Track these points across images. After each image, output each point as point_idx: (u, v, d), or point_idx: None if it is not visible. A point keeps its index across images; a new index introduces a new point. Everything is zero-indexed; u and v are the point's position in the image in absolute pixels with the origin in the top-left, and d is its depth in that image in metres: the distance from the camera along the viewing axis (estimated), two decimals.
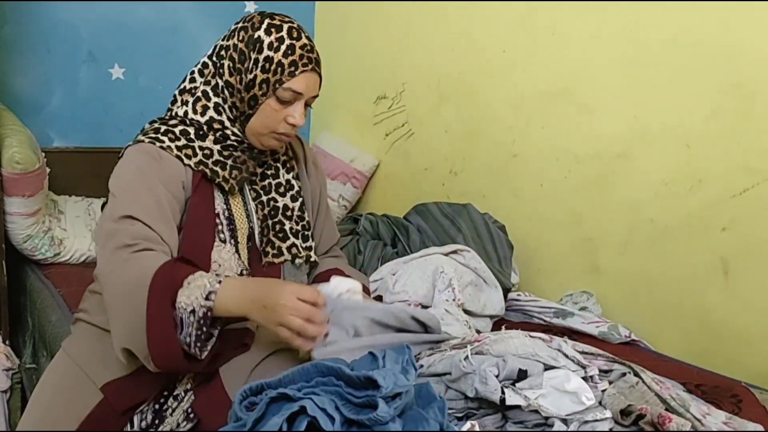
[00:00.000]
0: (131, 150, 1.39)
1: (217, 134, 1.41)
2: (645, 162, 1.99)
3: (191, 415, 1.28)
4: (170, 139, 1.39)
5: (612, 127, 2.07)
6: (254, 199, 1.48)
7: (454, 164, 2.60)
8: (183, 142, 1.40)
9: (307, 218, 1.53)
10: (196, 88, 1.43)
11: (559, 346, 1.28)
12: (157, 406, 1.31)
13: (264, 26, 1.36)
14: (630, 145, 2.03)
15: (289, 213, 1.50)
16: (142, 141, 1.39)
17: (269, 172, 1.51)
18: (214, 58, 1.42)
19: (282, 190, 1.51)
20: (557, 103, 2.22)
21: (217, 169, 1.40)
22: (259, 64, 1.35)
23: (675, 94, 1.91)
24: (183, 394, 1.31)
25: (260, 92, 1.36)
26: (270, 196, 1.50)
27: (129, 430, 1.31)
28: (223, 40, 1.42)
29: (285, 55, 1.34)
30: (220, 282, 1.21)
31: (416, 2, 2.68)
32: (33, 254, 2.38)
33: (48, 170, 2.41)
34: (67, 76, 2.72)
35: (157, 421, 1.30)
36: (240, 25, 1.40)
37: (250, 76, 1.36)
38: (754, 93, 1.76)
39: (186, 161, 1.38)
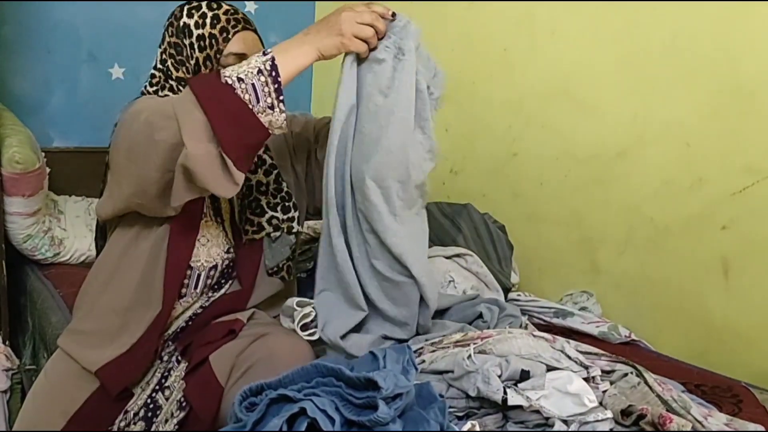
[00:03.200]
0: (132, 103, 1.36)
1: None
2: (645, 161, 1.99)
3: (184, 404, 1.31)
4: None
5: (612, 127, 2.07)
6: None
7: (454, 163, 2.60)
8: None
9: (285, 189, 1.52)
10: (160, 86, 1.44)
11: (562, 347, 1.28)
12: (149, 399, 1.33)
13: (185, 12, 1.40)
14: (630, 145, 2.03)
15: (263, 188, 1.50)
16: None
17: None
18: (159, 65, 1.44)
19: (253, 167, 1.50)
20: (557, 102, 2.22)
21: None
22: (195, 46, 1.38)
23: (675, 93, 1.91)
24: (175, 384, 1.34)
25: (208, 70, 1.38)
26: (256, 178, 1.49)
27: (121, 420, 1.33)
28: (159, 47, 1.45)
29: (212, 26, 1.38)
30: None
31: (416, 2, 2.67)
32: (33, 254, 2.38)
33: (48, 170, 2.41)
34: (67, 76, 2.72)
35: (150, 414, 1.32)
36: (166, 24, 1.43)
37: (193, 61, 1.39)
38: (753, 92, 1.76)
39: None
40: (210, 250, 1.42)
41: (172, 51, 1.41)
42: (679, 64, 1.89)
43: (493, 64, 2.41)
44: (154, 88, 1.44)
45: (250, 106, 1.16)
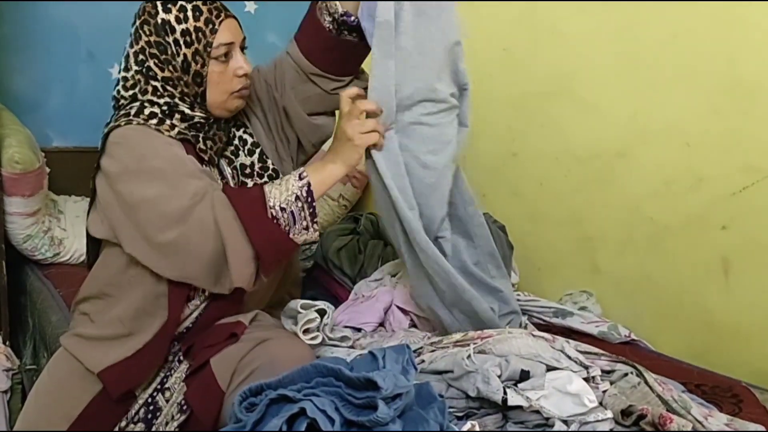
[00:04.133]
0: (120, 130, 1.34)
1: (181, 116, 1.39)
2: (645, 161, 1.99)
3: (184, 407, 1.30)
4: (143, 120, 1.35)
5: (612, 126, 2.07)
6: (229, 165, 1.48)
7: None
8: (156, 120, 1.36)
9: (272, 167, 1.50)
10: (132, 105, 1.38)
11: (561, 347, 1.28)
12: (150, 400, 1.32)
13: (161, 9, 1.35)
14: (630, 144, 2.03)
15: (248, 171, 1.49)
16: (119, 125, 1.35)
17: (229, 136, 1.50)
18: (134, 68, 1.37)
19: (236, 150, 1.49)
20: (557, 102, 2.21)
21: (193, 138, 1.39)
22: (180, 42, 1.34)
23: (675, 93, 1.91)
24: (175, 386, 1.33)
25: (198, 65, 1.35)
26: (239, 161, 1.49)
27: (125, 422, 1.32)
28: (130, 47, 1.38)
29: (196, 18, 1.34)
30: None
31: (416, 2, 2.67)
32: (33, 254, 2.38)
33: (48, 170, 2.41)
34: (66, 75, 2.71)
35: (150, 416, 1.31)
36: (137, 23, 1.37)
37: (180, 58, 1.34)
38: (753, 91, 1.75)
39: (167, 133, 1.35)
40: None
41: (154, 51, 1.34)
42: (679, 64, 1.89)
43: (493, 64, 2.41)
44: (131, 91, 1.37)
45: (289, 233, 1.31)
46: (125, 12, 2.71)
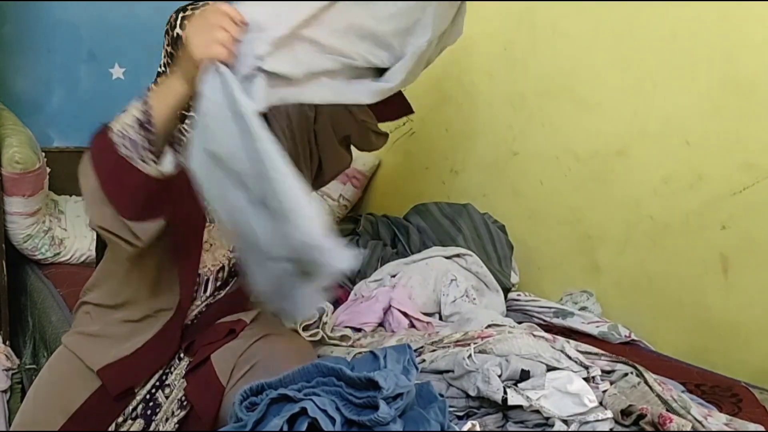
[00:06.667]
0: None
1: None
2: (645, 159, 1.99)
3: (184, 403, 1.31)
4: None
5: (612, 125, 2.07)
6: None
7: (455, 163, 2.60)
8: None
9: None
10: None
11: (562, 347, 1.28)
12: (148, 396, 1.33)
13: (179, 22, 1.36)
14: (630, 143, 2.03)
15: None
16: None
17: None
18: (162, 68, 1.42)
19: None
20: (557, 101, 2.21)
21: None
22: None
23: (675, 92, 1.91)
24: (175, 382, 1.33)
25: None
26: None
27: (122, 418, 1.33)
28: (163, 48, 1.41)
29: None
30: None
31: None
32: (33, 254, 2.38)
33: (48, 170, 2.41)
34: (67, 75, 2.72)
35: (149, 412, 1.32)
36: (166, 28, 1.39)
37: None
38: (753, 90, 1.75)
39: None
40: (215, 253, 1.40)
41: (168, 59, 1.38)
42: (679, 62, 1.89)
43: (494, 63, 2.41)
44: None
45: (131, 162, 1.13)
46: (126, 13, 2.76)
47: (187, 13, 1.37)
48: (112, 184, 1.14)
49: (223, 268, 1.41)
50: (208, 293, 1.40)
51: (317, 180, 1.55)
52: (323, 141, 1.48)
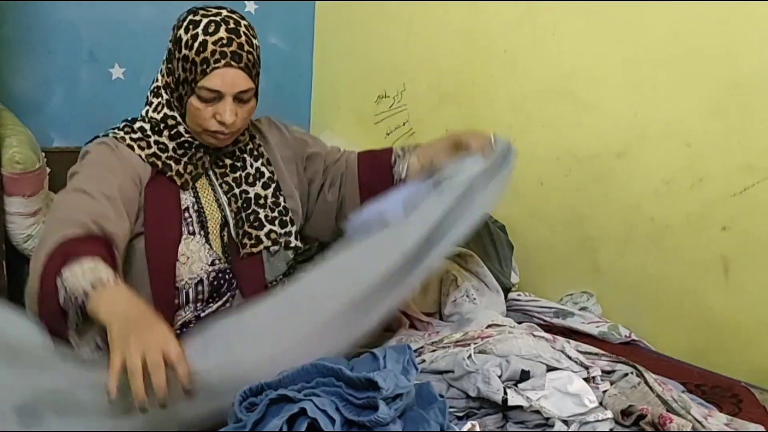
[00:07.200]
0: (91, 144, 1.45)
1: (172, 131, 1.43)
2: (645, 161, 1.99)
3: None
4: (126, 132, 1.43)
5: (612, 126, 2.07)
6: (226, 192, 1.48)
7: None
8: (138, 135, 1.43)
9: (283, 204, 1.52)
10: (158, 87, 1.45)
11: (562, 347, 1.28)
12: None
13: (185, 24, 1.37)
14: (630, 144, 2.03)
15: (261, 201, 1.50)
16: (96, 136, 1.46)
17: (238, 164, 1.51)
18: (163, 64, 1.45)
19: (251, 180, 1.50)
20: (558, 102, 2.21)
21: (171, 163, 1.42)
22: (180, 64, 1.36)
23: (675, 93, 1.91)
24: None
25: (183, 91, 1.38)
26: (241, 189, 1.49)
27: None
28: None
29: (197, 53, 1.33)
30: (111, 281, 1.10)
31: (417, 2, 2.67)
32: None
33: (48, 170, 2.41)
34: (67, 76, 2.71)
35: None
36: (176, 23, 1.41)
37: (176, 75, 1.38)
38: (755, 91, 1.75)
39: (138, 151, 1.40)
40: (191, 266, 1.40)
41: (167, 55, 1.41)
42: (680, 63, 1.89)
43: (494, 64, 2.41)
44: (154, 84, 1.46)
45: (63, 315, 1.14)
46: (127, 13, 2.76)
47: (197, 17, 1.36)
48: (46, 316, 1.19)
49: (201, 281, 1.41)
50: (191, 305, 1.41)
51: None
52: (347, 206, 1.62)
